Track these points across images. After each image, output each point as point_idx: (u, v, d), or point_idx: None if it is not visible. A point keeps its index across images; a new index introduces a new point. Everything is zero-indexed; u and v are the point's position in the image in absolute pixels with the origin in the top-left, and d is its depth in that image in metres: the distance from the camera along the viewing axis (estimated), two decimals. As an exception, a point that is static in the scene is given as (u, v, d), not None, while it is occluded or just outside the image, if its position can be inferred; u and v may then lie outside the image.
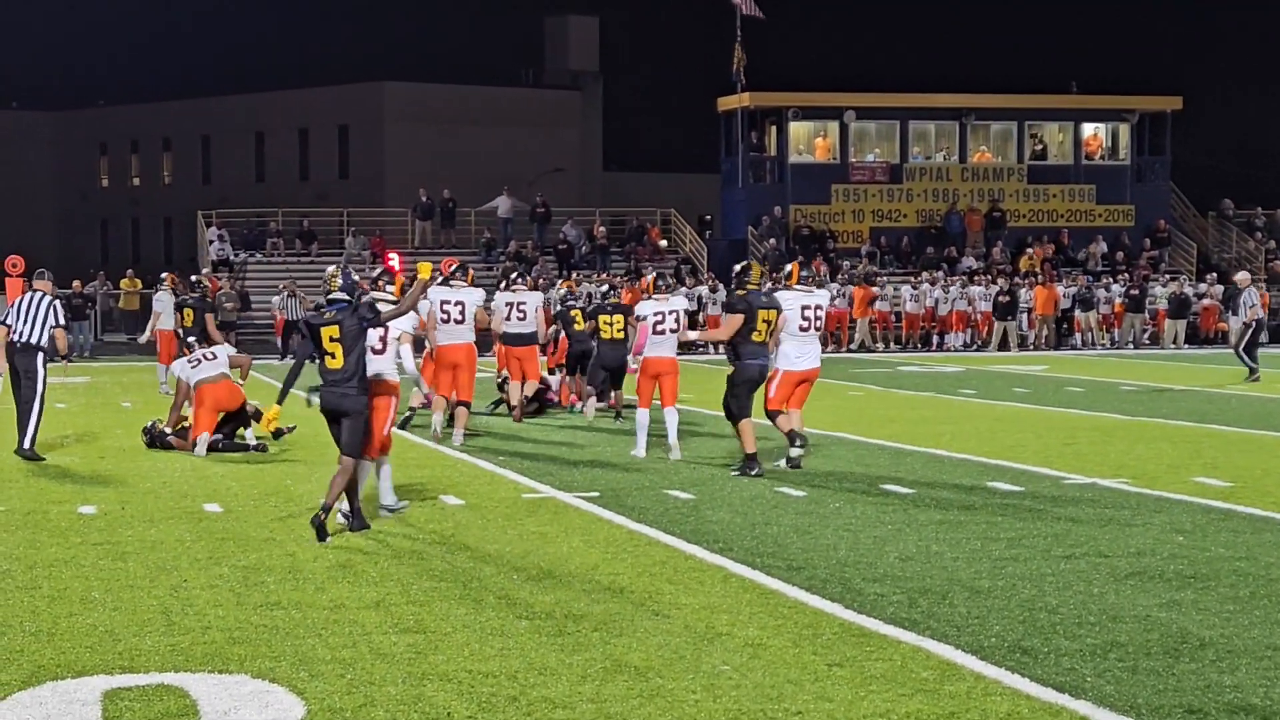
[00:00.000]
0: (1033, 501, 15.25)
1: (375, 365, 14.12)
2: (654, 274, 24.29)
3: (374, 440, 14.06)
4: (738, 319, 17.44)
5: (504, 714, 8.21)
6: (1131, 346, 47.94)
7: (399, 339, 14.90)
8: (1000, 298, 47.37)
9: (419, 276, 14.11)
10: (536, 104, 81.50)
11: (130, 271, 54.78)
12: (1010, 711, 8.22)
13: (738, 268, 17.82)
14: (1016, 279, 49.96)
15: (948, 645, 9.51)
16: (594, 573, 11.78)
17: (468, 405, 20.61)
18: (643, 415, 19.22)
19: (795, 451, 17.73)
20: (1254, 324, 32.34)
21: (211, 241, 53.55)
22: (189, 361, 20.58)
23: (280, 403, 13.84)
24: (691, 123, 76.94)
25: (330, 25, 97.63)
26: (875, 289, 47.90)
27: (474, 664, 9.12)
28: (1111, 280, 50.32)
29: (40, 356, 19.57)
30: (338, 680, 8.81)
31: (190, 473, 17.86)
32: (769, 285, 19.63)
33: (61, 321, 19.95)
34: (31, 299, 19.70)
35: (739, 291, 17.58)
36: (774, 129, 56.83)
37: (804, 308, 17.93)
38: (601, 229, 54.90)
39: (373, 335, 14.09)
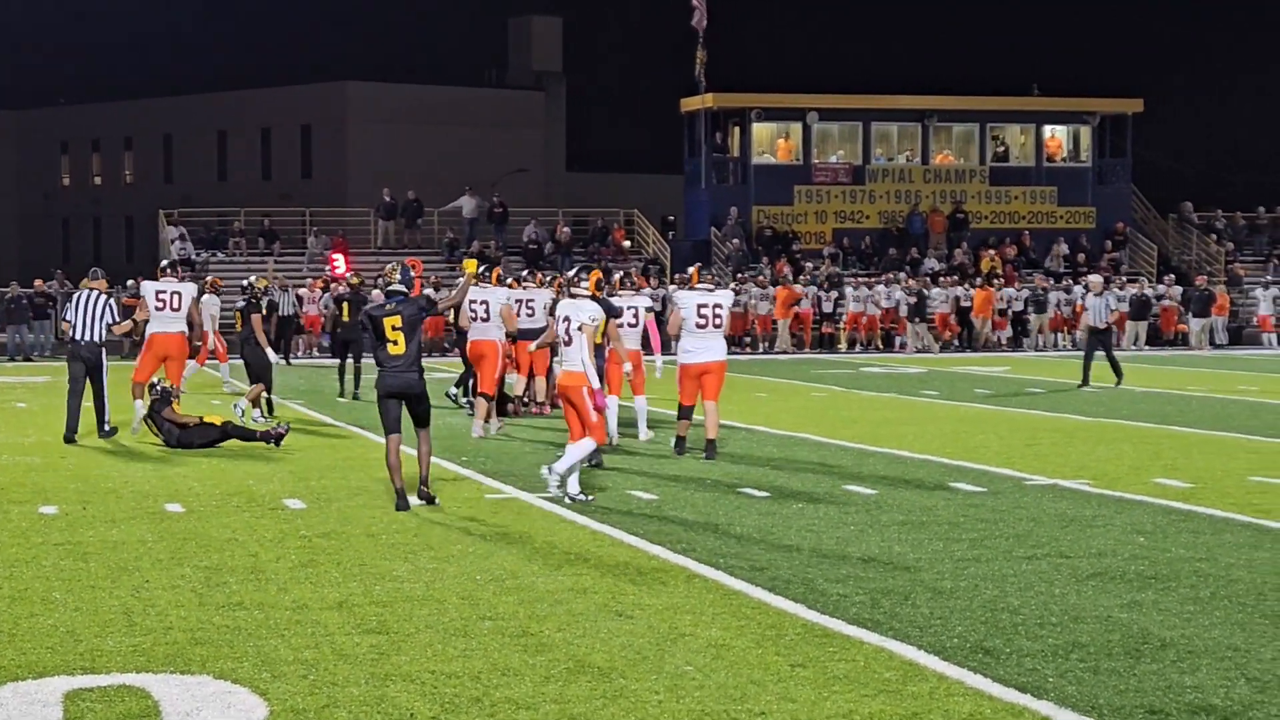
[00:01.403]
0: (995, 502, 15.29)
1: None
2: (620, 273, 24.76)
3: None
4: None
5: (467, 715, 8.20)
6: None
7: None
8: (909, 299, 47.51)
9: (466, 272, 16.70)
10: (500, 104, 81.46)
11: (98, 271, 54.43)
12: (973, 712, 8.23)
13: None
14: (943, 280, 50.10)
15: (910, 646, 9.53)
16: (557, 573, 11.78)
17: (489, 398, 21.83)
18: (613, 401, 20.10)
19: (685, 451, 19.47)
20: (1103, 330, 31.27)
21: (173, 241, 53.38)
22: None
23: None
24: (655, 123, 77.02)
25: (293, 25, 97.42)
26: (799, 289, 47.97)
27: (437, 665, 9.11)
28: (1073, 282, 50.43)
29: (102, 351, 21.29)
30: (300, 681, 8.80)
31: (152, 473, 17.81)
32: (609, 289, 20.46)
33: (117, 318, 21.65)
34: (88, 297, 21.31)
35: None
36: (737, 130, 56.91)
37: (700, 306, 19.22)
38: (565, 230, 54.89)
39: None
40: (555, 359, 19.72)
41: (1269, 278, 53.09)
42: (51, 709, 8.32)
